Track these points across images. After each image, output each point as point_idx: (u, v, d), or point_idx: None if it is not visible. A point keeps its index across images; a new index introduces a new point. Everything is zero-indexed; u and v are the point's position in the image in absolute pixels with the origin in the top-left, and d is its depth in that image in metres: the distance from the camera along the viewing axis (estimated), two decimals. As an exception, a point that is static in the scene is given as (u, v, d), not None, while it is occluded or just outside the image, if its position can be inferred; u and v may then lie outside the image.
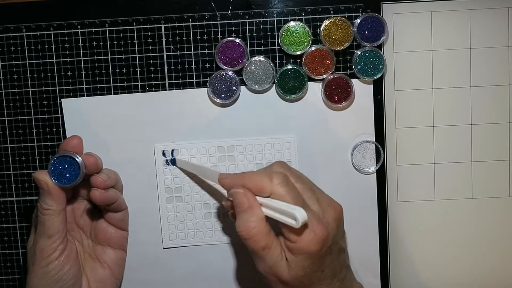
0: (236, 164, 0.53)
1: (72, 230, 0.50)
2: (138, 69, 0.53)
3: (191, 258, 0.54)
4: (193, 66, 0.53)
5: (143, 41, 0.52)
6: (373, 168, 0.53)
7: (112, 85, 0.53)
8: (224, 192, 0.51)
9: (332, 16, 0.52)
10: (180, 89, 0.53)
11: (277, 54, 0.52)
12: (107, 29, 0.52)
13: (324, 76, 0.52)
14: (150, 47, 0.52)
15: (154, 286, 0.54)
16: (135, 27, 0.52)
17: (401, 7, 0.52)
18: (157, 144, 0.53)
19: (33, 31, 0.52)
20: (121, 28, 0.52)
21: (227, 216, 0.50)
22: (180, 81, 0.53)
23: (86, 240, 0.51)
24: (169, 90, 0.53)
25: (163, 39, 0.52)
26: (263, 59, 0.52)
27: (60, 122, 0.53)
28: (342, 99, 0.52)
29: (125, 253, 0.52)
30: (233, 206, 0.43)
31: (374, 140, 0.53)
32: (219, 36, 0.52)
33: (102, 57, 0.53)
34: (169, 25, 0.52)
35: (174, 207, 0.53)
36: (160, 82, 0.53)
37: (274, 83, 0.52)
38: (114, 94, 0.53)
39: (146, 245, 0.53)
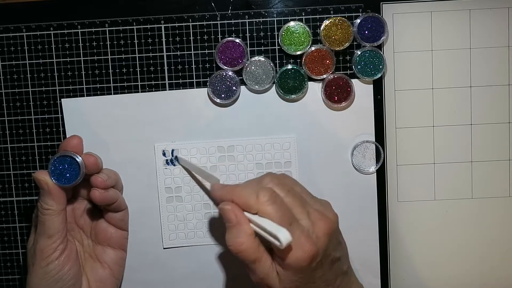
0: (236, 164, 0.53)
1: (72, 230, 0.50)
2: (138, 69, 0.53)
3: (191, 258, 0.54)
4: (193, 66, 0.53)
5: (143, 41, 0.52)
6: (373, 168, 0.53)
7: (112, 85, 0.53)
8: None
9: (332, 16, 0.52)
10: (180, 89, 0.53)
11: (277, 54, 0.52)
12: (107, 29, 0.52)
13: (324, 76, 0.52)
14: (150, 47, 0.52)
15: (154, 286, 0.54)
16: (135, 27, 0.52)
17: (401, 7, 0.52)
18: (157, 144, 0.53)
19: (33, 31, 0.52)
20: (121, 28, 0.52)
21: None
22: (180, 81, 0.53)
23: (86, 240, 0.51)
24: (169, 90, 0.53)
25: (163, 39, 0.52)
26: (263, 59, 0.52)
27: (60, 122, 0.53)
28: (342, 99, 0.52)
29: (125, 253, 0.52)
30: None
31: (374, 140, 0.53)
32: (219, 36, 0.52)
33: (102, 57, 0.53)
34: (169, 25, 0.52)
35: (174, 207, 0.53)
36: (160, 82, 0.53)
37: (274, 83, 0.52)
38: (114, 94, 0.53)
39: (146, 245, 0.53)
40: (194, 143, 0.53)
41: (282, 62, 0.52)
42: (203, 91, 0.53)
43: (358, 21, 0.51)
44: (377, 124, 0.53)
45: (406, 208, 0.54)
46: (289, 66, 0.52)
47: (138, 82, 0.53)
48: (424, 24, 0.52)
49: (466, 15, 0.52)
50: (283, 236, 0.38)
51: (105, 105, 0.53)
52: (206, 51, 0.52)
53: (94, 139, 0.52)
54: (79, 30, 0.52)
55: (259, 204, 0.40)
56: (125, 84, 0.53)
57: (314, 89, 0.53)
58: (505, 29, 0.52)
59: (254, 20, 0.52)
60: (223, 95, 0.52)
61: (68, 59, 0.53)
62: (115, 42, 0.52)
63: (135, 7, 0.52)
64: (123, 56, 0.52)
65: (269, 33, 0.52)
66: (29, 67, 0.53)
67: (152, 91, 0.53)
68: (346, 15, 0.52)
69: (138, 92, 0.53)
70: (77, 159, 0.46)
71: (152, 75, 0.53)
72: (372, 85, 0.53)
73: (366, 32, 0.51)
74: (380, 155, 0.53)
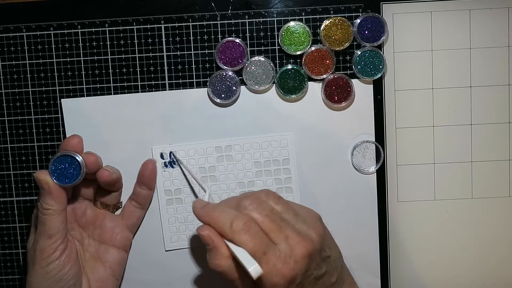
0: (234, 164, 0.53)
1: (72, 230, 0.50)
2: (138, 69, 0.53)
3: (193, 259, 0.54)
4: (193, 66, 0.53)
5: (143, 41, 0.52)
6: (373, 168, 0.53)
7: (112, 85, 0.53)
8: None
9: (332, 16, 0.52)
10: (180, 89, 0.53)
11: (277, 54, 0.52)
12: (107, 29, 0.52)
13: (324, 76, 0.52)
14: (150, 47, 0.52)
15: (155, 286, 0.54)
16: (135, 27, 0.52)
17: (401, 7, 0.52)
18: (154, 147, 0.53)
19: (33, 31, 0.52)
20: (121, 28, 0.52)
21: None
22: (180, 81, 0.53)
23: (86, 240, 0.51)
24: (169, 90, 0.53)
25: (163, 39, 0.52)
26: (263, 59, 0.52)
27: (60, 122, 0.53)
28: (342, 99, 0.52)
29: (127, 254, 0.52)
30: None
31: (374, 140, 0.53)
32: (219, 36, 0.52)
33: (102, 57, 0.53)
34: (169, 25, 0.52)
35: (175, 209, 0.53)
36: (160, 82, 0.53)
37: (274, 83, 0.52)
38: (114, 94, 0.53)
39: (148, 247, 0.53)
40: (191, 145, 0.53)
41: (282, 62, 0.52)
42: (203, 91, 0.53)
43: (358, 21, 0.51)
44: (377, 124, 0.53)
45: (406, 208, 0.54)
46: (289, 66, 0.52)
47: (138, 82, 0.53)
48: (424, 24, 0.52)
49: (466, 15, 0.52)
50: (254, 270, 0.39)
51: (105, 105, 0.53)
52: (206, 51, 0.52)
53: (94, 139, 0.52)
54: (79, 30, 0.52)
55: (233, 233, 0.41)
56: (125, 84, 0.53)
57: (314, 89, 0.53)
58: (505, 29, 0.52)
59: (254, 20, 0.52)
60: (223, 95, 0.52)
61: (68, 59, 0.53)
62: (115, 42, 0.52)
63: (135, 7, 0.52)
64: (123, 56, 0.52)
65: (269, 33, 0.52)
66: (29, 67, 0.53)
67: (152, 91, 0.53)
68: (346, 15, 0.52)
69: (138, 92, 0.53)
70: (77, 158, 0.46)
71: (152, 75, 0.53)
72: (372, 85, 0.53)
73: (366, 32, 0.51)
74: (380, 155, 0.53)
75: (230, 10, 0.52)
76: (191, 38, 0.52)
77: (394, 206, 0.54)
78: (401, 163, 0.54)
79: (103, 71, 0.53)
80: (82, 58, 0.53)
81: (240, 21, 0.52)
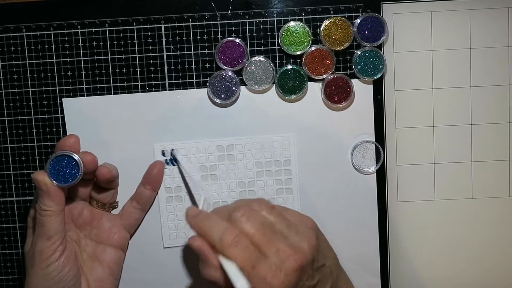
0: (235, 163, 0.53)
1: (69, 230, 0.49)
2: (138, 69, 0.53)
3: (192, 257, 0.54)
4: (193, 66, 0.53)
5: (143, 41, 0.52)
6: (373, 168, 0.53)
7: (112, 85, 0.53)
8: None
9: (332, 16, 0.52)
10: (180, 89, 0.53)
11: (277, 54, 0.52)
12: (107, 29, 0.52)
13: (324, 76, 0.52)
14: (150, 47, 0.52)
15: (154, 285, 0.54)
16: (135, 27, 0.52)
17: (401, 7, 0.52)
18: (156, 144, 0.53)
19: (33, 31, 0.52)
20: (121, 28, 0.52)
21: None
22: (180, 81, 0.53)
23: (83, 240, 0.50)
24: (169, 90, 0.53)
25: (163, 39, 0.52)
26: (263, 59, 0.52)
27: (60, 122, 0.53)
28: (342, 99, 0.52)
29: (124, 254, 0.52)
30: None
31: (374, 140, 0.53)
32: (219, 36, 0.52)
33: (102, 57, 0.53)
34: (169, 25, 0.52)
35: (174, 207, 0.53)
36: (160, 82, 0.53)
37: (274, 83, 0.52)
38: (114, 94, 0.53)
39: (146, 245, 0.53)
40: (193, 143, 0.53)
41: (282, 62, 0.53)
42: (203, 91, 0.53)
43: (358, 21, 0.51)
44: (377, 124, 0.53)
45: (406, 208, 0.54)
46: (289, 66, 0.52)
47: (138, 82, 0.53)
48: (424, 24, 0.52)
49: (466, 15, 0.52)
50: (241, 286, 0.39)
51: (105, 105, 0.53)
52: (206, 51, 0.52)
53: (94, 139, 0.52)
54: (79, 30, 0.52)
55: (222, 246, 0.41)
56: (125, 84, 0.53)
57: (314, 89, 0.53)
58: (505, 29, 0.52)
59: (254, 20, 0.52)
60: (223, 95, 0.52)
61: (68, 59, 0.53)
62: (115, 42, 0.52)
63: (135, 7, 0.52)
64: (123, 56, 0.52)
65: (269, 33, 0.52)
66: (29, 67, 0.53)
67: (152, 91, 0.53)
68: (346, 15, 0.52)
69: (138, 92, 0.53)
70: (75, 158, 0.46)
71: (152, 75, 0.53)
72: (372, 85, 0.53)
73: (366, 32, 0.51)
74: (380, 155, 0.53)
75: (230, 10, 0.52)
76: (191, 38, 0.52)
77: (394, 206, 0.54)
78: (401, 163, 0.54)
79: (103, 71, 0.53)
80: (82, 58, 0.53)
81: (240, 21, 0.52)
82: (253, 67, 0.52)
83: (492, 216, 0.54)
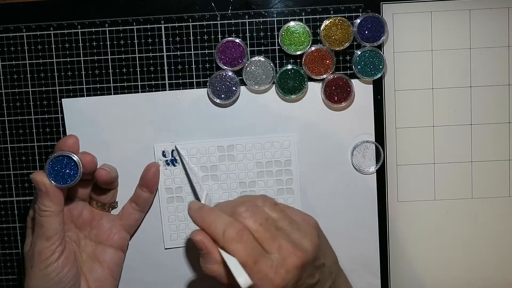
0: (236, 163, 0.53)
1: (68, 231, 0.49)
2: (138, 69, 0.53)
3: (192, 259, 0.54)
4: (193, 66, 0.53)
5: (143, 41, 0.52)
6: (373, 168, 0.53)
7: (112, 85, 0.53)
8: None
9: (332, 16, 0.52)
10: (180, 89, 0.53)
11: (277, 54, 0.52)
12: (107, 29, 0.52)
13: (324, 76, 0.52)
14: (150, 47, 0.52)
15: (154, 286, 0.54)
16: (135, 27, 0.52)
17: (401, 7, 0.52)
18: (156, 145, 0.53)
19: (33, 31, 0.52)
20: (121, 28, 0.52)
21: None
22: (180, 81, 0.53)
23: (83, 240, 0.50)
24: (169, 90, 0.53)
25: (163, 39, 0.52)
26: (263, 59, 0.52)
27: (60, 122, 0.53)
28: (342, 99, 0.52)
29: (124, 255, 0.52)
30: None
31: (374, 140, 0.53)
32: (219, 36, 0.52)
33: (102, 57, 0.53)
34: (169, 25, 0.52)
35: (175, 208, 0.53)
36: (160, 82, 0.53)
37: (274, 83, 0.52)
38: (114, 94, 0.53)
39: (147, 246, 0.53)
40: (193, 143, 0.53)
41: (282, 62, 0.53)
42: (203, 91, 0.53)
43: (358, 21, 0.51)
44: (377, 124, 0.53)
45: (406, 208, 0.54)
46: (289, 66, 0.52)
47: (138, 82, 0.53)
48: (424, 24, 0.52)
49: (466, 15, 0.52)
50: (242, 281, 0.39)
51: (105, 105, 0.53)
52: (206, 51, 0.52)
53: (94, 139, 0.52)
54: (79, 30, 0.52)
55: (225, 241, 0.41)
56: (125, 84, 0.53)
57: (314, 89, 0.53)
58: (505, 29, 0.52)
59: (254, 20, 0.52)
60: (223, 95, 0.52)
61: (68, 59, 0.53)
62: (115, 42, 0.52)
63: (135, 7, 0.52)
64: (123, 56, 0.52)
65: (269, 33, 0.52)
66: (29, 67, 0.53)
67: (152, 91, 0.53)
68: (346, 15, 0.52)
69: (138, 92, 0.53)
70: (74, 158, 0.46)
71: (152, 75, 0.53)
72: (372, 85, 0.53)
73: (366, 32, 0.51)
74: (380, 155, 0.53)
75: (230, 10, 0.52)
76: (191, 38, 0.52)
77: (394, 206, 0.54)
78: (401, 163, 0.54)
79: (103, 71, 0.53)
80: (82, 58, 0.53)
81: (240, 21, 0.52)
82: (253, 67, 0.52)
83: (492, 216, 0.54)
